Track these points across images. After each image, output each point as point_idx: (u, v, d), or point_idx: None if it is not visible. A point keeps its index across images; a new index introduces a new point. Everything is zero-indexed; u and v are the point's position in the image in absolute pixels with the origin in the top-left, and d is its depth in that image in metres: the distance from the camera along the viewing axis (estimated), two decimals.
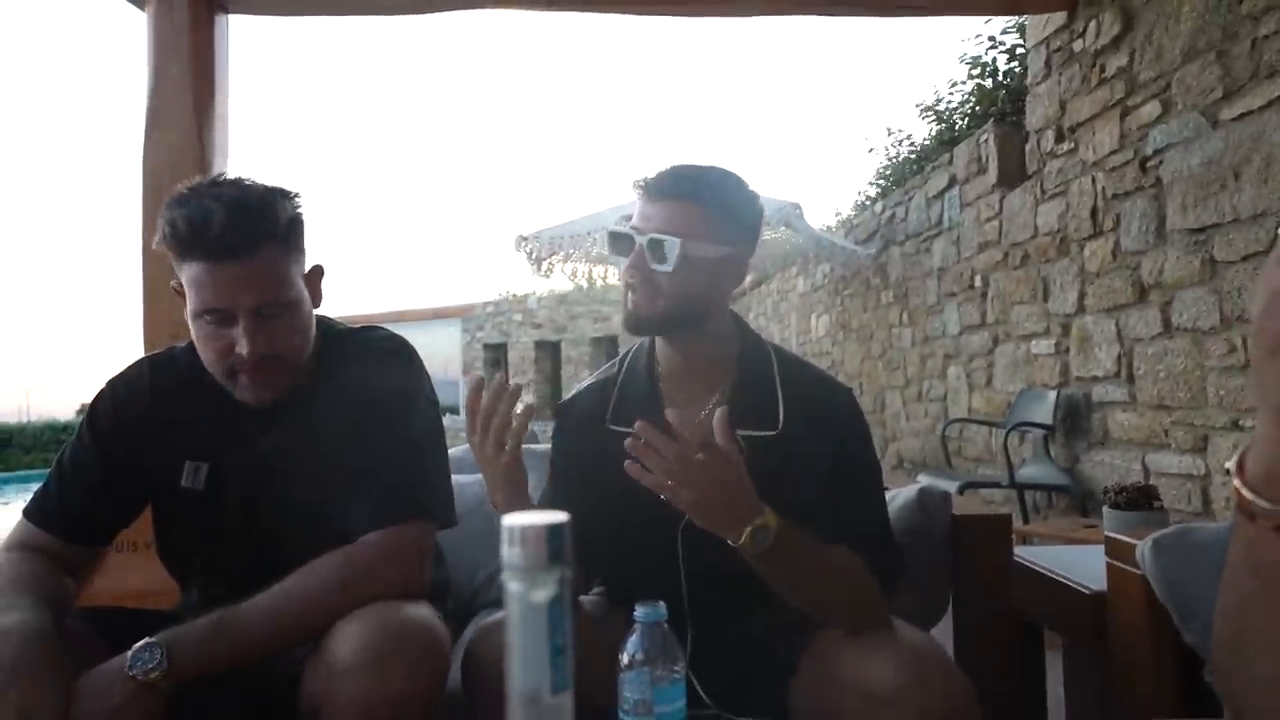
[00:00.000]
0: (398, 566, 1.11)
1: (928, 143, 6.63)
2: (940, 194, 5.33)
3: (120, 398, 1.23)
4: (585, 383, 1.34)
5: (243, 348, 1.08)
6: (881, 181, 7.35)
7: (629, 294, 1.18)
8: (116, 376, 1.25)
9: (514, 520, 0.39)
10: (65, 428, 15.43)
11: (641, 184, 1.17)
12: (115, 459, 1.20)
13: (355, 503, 1.15)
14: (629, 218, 1.19)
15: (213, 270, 1.07)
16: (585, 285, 14.73)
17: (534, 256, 6.85)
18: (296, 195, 1.18)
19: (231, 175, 1.15)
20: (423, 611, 1.06)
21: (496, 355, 16.13)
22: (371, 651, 0.97)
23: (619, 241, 1.17)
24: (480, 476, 1.94)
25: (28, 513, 1.19)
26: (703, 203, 1.15)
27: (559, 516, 0.39)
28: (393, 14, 3.17)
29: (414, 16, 3.16)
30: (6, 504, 10.81)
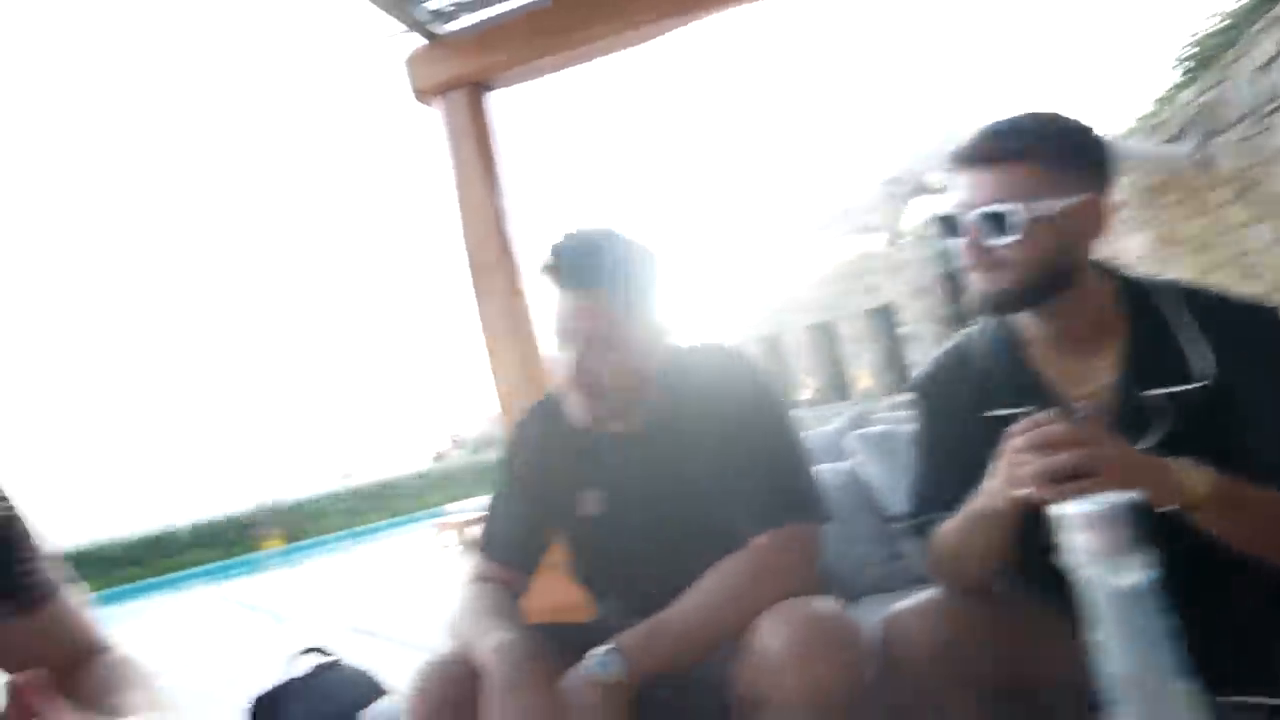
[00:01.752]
0: (795, 564, 1.16)
1: (1242, 6, 5.59)
2: (1271, 60, 4.46)
3: (526, 439, 1.41)
4: (935, 358, 1.27)
5: (569, 367, 1.21)
6: (1188, 62, 6.32)
7: (974, 277, 1.09)
8: (519, 420, 1.45)
9: (1076, 507, 0.38)
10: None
11: (958, 154, 1.08)
12: (528, 494, 1.38)
13: (743, 508, 1.21)
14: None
15: (560, 297, 1.24)
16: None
17: None
18: (652, 253, 1.28)
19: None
20: (833, 606, 1.10)
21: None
22: (806, 645, 1.02)
23: (948, 224, 1.09)
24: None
25: (481, 548, 1.40)
26: (1032, 156, 1.04)
27: (1129, 496, 0.38)
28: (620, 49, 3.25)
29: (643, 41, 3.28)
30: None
